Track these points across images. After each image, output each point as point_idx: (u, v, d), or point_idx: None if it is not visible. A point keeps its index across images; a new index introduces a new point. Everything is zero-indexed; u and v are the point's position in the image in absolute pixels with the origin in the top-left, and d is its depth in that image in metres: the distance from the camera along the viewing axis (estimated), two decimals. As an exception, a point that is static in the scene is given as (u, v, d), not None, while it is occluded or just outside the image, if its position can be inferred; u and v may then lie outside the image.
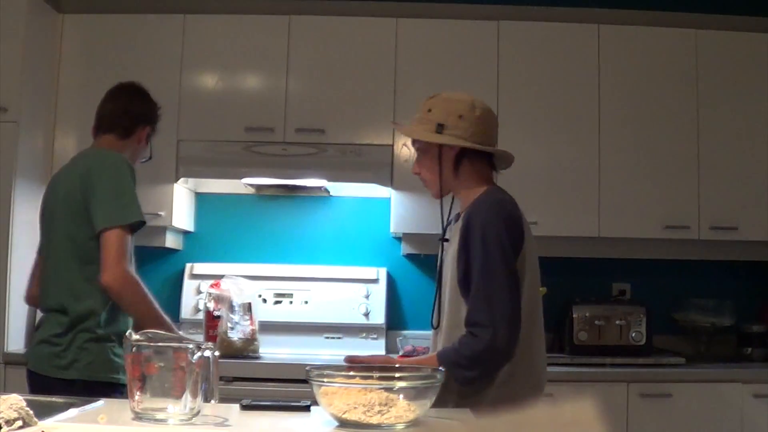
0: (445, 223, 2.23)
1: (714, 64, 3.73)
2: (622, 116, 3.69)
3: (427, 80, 3.66)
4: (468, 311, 1.99)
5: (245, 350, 3.43)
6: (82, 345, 2.44)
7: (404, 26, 3.71)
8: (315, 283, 3.80)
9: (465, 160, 2.12)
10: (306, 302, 3.78)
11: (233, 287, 3.54)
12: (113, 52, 3.69)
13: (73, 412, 1.65)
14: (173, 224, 3.66)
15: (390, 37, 3.69)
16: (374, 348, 3.67)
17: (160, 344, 1.67)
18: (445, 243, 2.20)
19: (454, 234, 2.12)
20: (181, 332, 2.99)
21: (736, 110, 3.72)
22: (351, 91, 3.67)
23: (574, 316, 3.54)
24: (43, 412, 1.54)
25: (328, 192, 3.93)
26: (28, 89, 3.48)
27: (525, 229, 2.07)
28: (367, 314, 3.74)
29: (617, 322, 3.53)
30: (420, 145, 2.16)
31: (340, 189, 3.91)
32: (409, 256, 3.90)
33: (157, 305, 2.47)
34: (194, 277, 3.82)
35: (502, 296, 1.97)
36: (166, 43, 3.69)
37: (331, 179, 3.73)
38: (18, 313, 3.39)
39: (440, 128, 2.09)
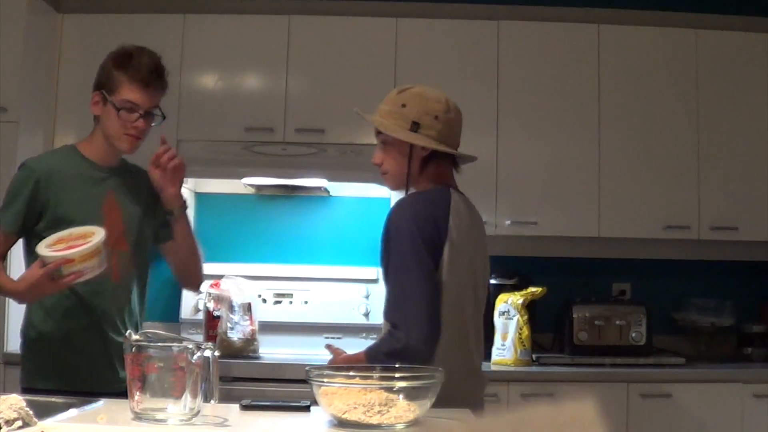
0: None
1: (714, 64, 3.73)
2: (622, 116, 3.69)
3: (427, 80, 3.61)
4: (385, 310, 2.02)
5: (245, 350, 3.43)
6: (24, 353, 2.40)
7: (404, 26, 3.71)
8: (315, 283, 3.80)
9: (433, 161, 2.13)
10: (306, 302, 3.79)
11: (233, 287, 3.54)
12: (113, 52, 3.69)
13: (72, 412, 1.65)
14: (173, 224, 3.66)
15: (390, 37, 3.69)
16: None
17: (159, 344, 1.67)
18: None
19: None
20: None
21: (736, 110, 3.72)
22: (351, 91, 3.67)
23: (574, 316, 3.54)
24: (43, 412, 1.54)
25: (328, 192, 3.93)
26: (28, 89, 3.48)
27: (448, 230, 2.04)
28: (367, 314, 3.74)
29: (617, 322, 3.53)
30: (388, 138, 2.13)
31: (340, 189, 3.91)
32: (409, 256, 3.90)
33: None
34: (194, 277, 3.82)
35: (416, 296, 1.97)
36: (166, 43, 3.68)
37: (331, 179, 3.73)
38: (18, 313, 3.39)
39: (415, 127, 2.08)
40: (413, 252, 1.99)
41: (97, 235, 2.09)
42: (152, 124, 2.38)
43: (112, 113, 2.32)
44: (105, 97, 2.34)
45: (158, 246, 2.49)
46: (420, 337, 1.95)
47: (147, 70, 2.34)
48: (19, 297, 2.30)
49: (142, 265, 2.45)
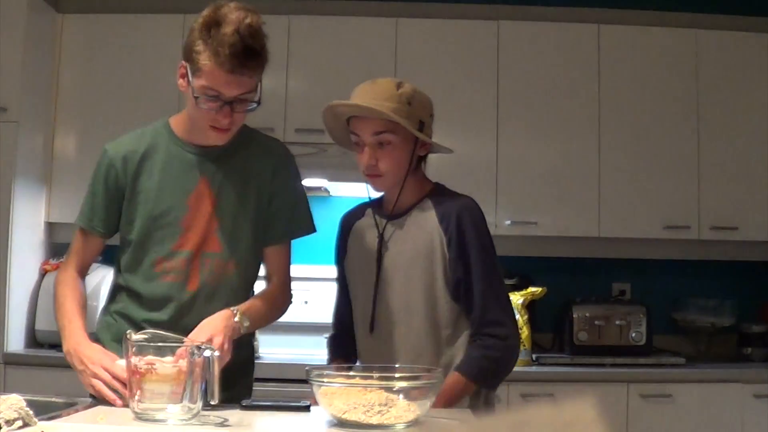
0: (378, 216, 2.14)
1: (714, 64, 3.73)
2: (622, 116, 3.69)
3: (427, 80, 3.62)
4: (481, 312, 1.95)
5: (245, 350, 3.43)
6: None
7: (404, 26, 3.70)
8: (315, 283, 3.80)
9: (422, 159, 2.10)
10: (306, 302, 3.78)
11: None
12: (113, 52, 3.69)
13: (73, 412, 1.65)
14: (173, 224, 3.66)
15: (390, 37, 3.69)
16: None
17: (160, 344, 1.66)
18: (385, 237, 2.10)
19: (410, 228, 2.05)
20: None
21: (736, 110, 3.72)
22: (351, 91, 3.66)
23: (574, 316, 3.54)
24: (43, 412, 1.54)
25: (328, 192, 3.93)
26: (28, 89, 3.48)
27: None
28: (367, 314, 3.73)
29: (617, 322, 3.53)
30: (391, 137, 2.01)
31: (340, 189, 3.91)
32: (409, 256, 3.90)
33: (64, 317, 1.92)
34: (194, 277, 3.82)
35: (506, 296, 2.03)
36: (166, 43, 3.69)
37: (331, 179, 3.73)
38: (18, 313, 3.39)
39: (421, 126, 2.02)
40: (494, 253, 2.02)
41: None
42: (247, 110, 1.89)
43: (193, 99, 1.85)
44: (188, 74, 1.85)
45: (262, 249, 2.05)
46: (518, 335, 2.04)
47: (231, 51, 1.77)
48: (64, 345, 1.89)
49: (242, 268, 2.00)
